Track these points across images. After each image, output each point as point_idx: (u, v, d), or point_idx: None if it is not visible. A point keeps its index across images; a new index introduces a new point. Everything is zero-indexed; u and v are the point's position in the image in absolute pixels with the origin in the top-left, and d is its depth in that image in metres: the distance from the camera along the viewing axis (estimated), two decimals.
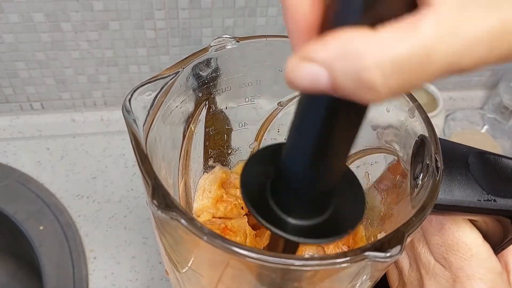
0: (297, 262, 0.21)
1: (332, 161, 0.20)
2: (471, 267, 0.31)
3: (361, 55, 0.14)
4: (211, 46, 0.31)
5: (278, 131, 0.38)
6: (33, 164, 0.60)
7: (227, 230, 0.35)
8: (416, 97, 0.30)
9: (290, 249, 0.26)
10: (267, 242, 0.29)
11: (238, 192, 0.38)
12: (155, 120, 0.28)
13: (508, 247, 0.32)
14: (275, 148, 0.23)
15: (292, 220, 0.22)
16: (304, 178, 0.21)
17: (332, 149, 0.20)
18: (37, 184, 0.58)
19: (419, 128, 0.29)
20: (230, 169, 0.40)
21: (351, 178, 0.25)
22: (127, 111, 0.26)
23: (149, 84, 0.28)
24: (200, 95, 0.33)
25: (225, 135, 0.37)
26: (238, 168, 0.40)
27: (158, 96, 0.28)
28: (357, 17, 0.15)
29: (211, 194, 0.37)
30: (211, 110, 0.35)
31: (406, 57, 0.14)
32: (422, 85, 0.16)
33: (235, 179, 0.38)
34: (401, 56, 0.14)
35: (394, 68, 0.14)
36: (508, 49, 0.15)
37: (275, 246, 0.27)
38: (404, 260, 0.36)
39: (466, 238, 0.31)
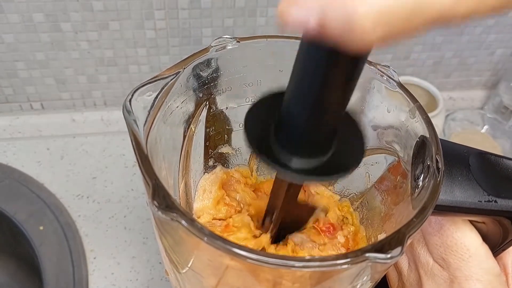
0: (297, 263, 0.21)
1: (330, 106, 0.21)
2: (469, 268, 0.31)
3: (352, 2, 0.15)
4: (212, 47, 0.31)
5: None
6: (33, 164, 0.60)
7: (230, 227, 0.36)
8: (416, 97, 0.30)
9: (293, 191, 0.28)
10: (271, 188, 0.30)
11: (238, 196, 0.38)
12: (155, 120, 0.28)
13: (507, 250, 0.32)
14: (279, 94, 0.24)
15: (294, 161, 0.23)
16: (304, 123, 0.22)
17: (329, 97, 0.20)
18: (37, 184, 0.58)
19: (420, 128, 0.29)
20: (230, 169, 0.40)
21: (351, 120, 0.25)
22: (127, 112, 0.26)
23: (149, 85, 0.28)
24: (201, 95, 0.33)
25: (226, 136, 0.37)
26: (239, 169, 0.40)
27: (159, 97, 0.28)
28: None
29: (211, 194, 0.37)
30: (211, 111, 0.35)
31: (398, 5, 0.14)
32: (411, 35, 0.16)
33: (236, 181, 0.38)
34: (394, 4, 0.14)
35: (385, 16, 0.14)
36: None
37: (278, 189, 0.28)
38: (403, 261, 0.36)
39: (465, 239, 0.31)
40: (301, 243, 0.35)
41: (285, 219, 0.31)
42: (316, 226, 0.36)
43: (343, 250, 0.35)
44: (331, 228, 0.36)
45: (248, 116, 0.25)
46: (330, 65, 0.19)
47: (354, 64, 0.19)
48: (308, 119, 0.21)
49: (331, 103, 0.21)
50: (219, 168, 0.39)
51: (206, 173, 0.38)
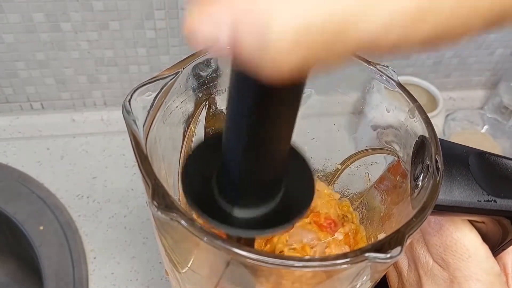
0: (297, 263, 0.21)
1: (268, 149, 0.18)
2: (469, 267, 0.31)
3: (269, 18, 0.12)
4: None
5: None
6: (33, 164, 0.60)
7: None
8: (416, 97, 0.30)
9: (245, 242, 0.25)
10: None
11: None
12: (155, 120, 0.28)
13: (507, 250, 0.32)
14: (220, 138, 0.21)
15: (239, 213, 0.21)
16: (243, 168, 0.19)
17: (266, 137, 0.18)
18: (37, 184, 0.58)
19: (419, 128, 0.29)
20: None
21: (298, 160, 0.23)
22: (127, 112, 0.26)
23: (149, 85, 0.28)
24: (200, 95, 0.33)
25: None
26: None
27: (158, 97, 0.28)
28: None
29: None
30: (211, 111, 0.35)
31: (319, 25, 0.12)
32: (333, 64, 0.13)
33: None
34: (314, 24, 0.12)
35: (304, 35, 0.12)
36: (431, 30, 0.13)
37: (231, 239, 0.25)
38: (403, 261, 0.36)
39: (464, 239, 0.31)
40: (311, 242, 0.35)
41: None
42: (317, 222, 0.36)
43: (346, 248, 0.35)
44: (332, 224, 0.36)
45: (187, 165, 0.22)
46: (254, 96, 0.16)
47: (284, 94, 0.16)
48: (244, 161, 0.19)
49: (266, 140, 0.18)
50: None
51: None
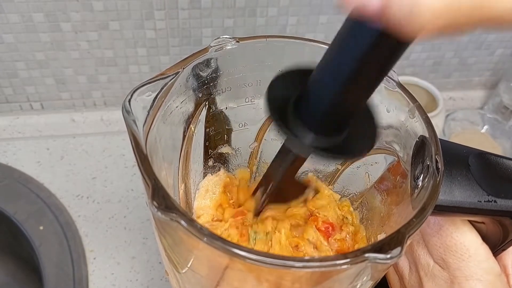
0: (297, 264, 0.21)
1: (362, 85, 0.21)
2: (469, 268, 0.31)
3: None
4: (211, 47, 0.31)
5: (279, 131, 0.38)
6: (33, 164, 0.60)
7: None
8: (416, 97, 0.30)
9: (296, 165, 0.29)
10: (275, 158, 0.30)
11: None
12: (155, 120, 0.28)
13: (507, 250, 0.32)
14: (303, 69, 0.24)
15: (307, 135, 0.24)
16: (332, 98, 0.22)
17: (362, 80, 0.21)
18: (37, 184, 0.58)
19: (420, 128, 0.29)
20: (231, 171, 0.40)
21: (367, 108, 0.26)
22: (127, 112, 0.26)
23: (149, 85, 0.28)
24: (200, 95, 0.33)
25: (225, 136, 0.37)
26: (240, 172, 0.40)
27: (158, 97, 0.28)
28: None
29: (215, 195, 0.37)
30: (211, 111, 0.35)
31: (461, 3, 0.15)
32: (463, 32, 0.17)
33: (237, 185, 0.38)
34: (457, 2, 0.15)
35: (448, 11, 0.15)
36: None
37: (281, 161, 0.29)
38: (404, 264, 0.36)
39: (464, 239, 0.31)
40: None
41: (276, 193, 0.32)
42: (315, 225, 0.36)
43: (324, 244, 0.35)
44: (330, 228, 0.36)
45: (271, 86, 0.25)
46: (375, 45, 0.19)
47: (397, 48, 0.20)
48: (336, 94, 0.22)
49: (364, 82, 0.21)
50: (222, 171, 0.39)
51: (209, 174, 0.38)
